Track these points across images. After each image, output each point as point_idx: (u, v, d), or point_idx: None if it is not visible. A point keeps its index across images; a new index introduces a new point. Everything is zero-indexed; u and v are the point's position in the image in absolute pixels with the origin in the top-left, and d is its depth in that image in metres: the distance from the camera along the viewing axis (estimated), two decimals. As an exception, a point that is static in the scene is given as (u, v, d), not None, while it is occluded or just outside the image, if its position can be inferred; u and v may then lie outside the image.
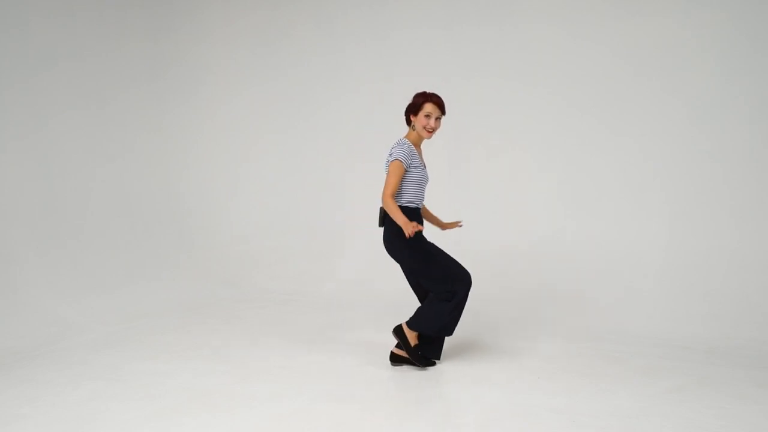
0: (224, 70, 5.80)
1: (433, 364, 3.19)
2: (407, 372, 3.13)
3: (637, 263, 4.27)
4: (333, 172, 5.43)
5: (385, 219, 3.14)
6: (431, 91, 3.16)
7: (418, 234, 3.10)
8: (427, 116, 3.10)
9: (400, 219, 2.92)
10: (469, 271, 3.13)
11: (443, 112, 3.15)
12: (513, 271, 4.58)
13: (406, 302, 3.96)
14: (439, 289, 3.06)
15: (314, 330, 3.95)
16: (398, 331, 3.17)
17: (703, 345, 3.52)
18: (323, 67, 5.42)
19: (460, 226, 3.45)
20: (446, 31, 4.91)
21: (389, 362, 3.24)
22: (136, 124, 5.45)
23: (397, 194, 3.10)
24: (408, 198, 3.12)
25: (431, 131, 3.13)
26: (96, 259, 4.82)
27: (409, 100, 3.21)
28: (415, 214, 3.15)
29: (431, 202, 3.77)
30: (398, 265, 3.27)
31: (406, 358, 3.20)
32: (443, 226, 3.45)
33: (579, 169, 4.54)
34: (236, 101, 5.79)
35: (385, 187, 3.02)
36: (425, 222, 3.37)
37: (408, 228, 2.86)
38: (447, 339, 3.64)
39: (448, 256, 3.13)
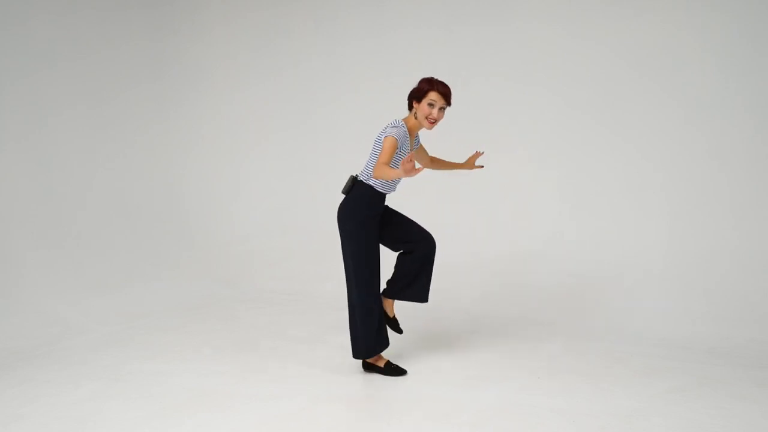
0: (224, 70, 5.80)
1: (404, 372, 3.11)
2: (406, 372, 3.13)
3: (637, 263, 4.27)
4: (333, 172, 5.42)
5: (350, 190, 3.04)
6: (439, 79, 2.94)
7: (374, 228, 3.02)
8: (431, 105, 2.89)
9: (397, 172, 2.69)
10: (380, 293, 3.12)
11: (449, 103, 2.94)
12: (513, 271, 4.58)
13: (405, 302, 3.96)
14: (348, 285, 3.05)
15: (314, 330, 3.95)
16: (366, 365, 3.16)
17: (703, 345, 3.52)
18: (323, 67, 5.42)
19: (481, 153, 3.30)
20: (446, 31, 4.91)
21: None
22: (136, 124, 5.45)
23: (369, 172, 3.01)
24: (382, 183, 3.01)
25: (433, 122, 2.93)
26: (96, 259, 4.82)
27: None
28: (380, 198, 3.05)
29: (430, 203, 3.77)
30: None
31: (376, 366, 3.17)
32: (463, 166, 3.35)
33: (579, 169, 4.54)
34: (236, 101, 5.78)
35: (377, 163, 2.83)
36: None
37: (407, 167, 2.59)
38: (447, 337, 3.64)
39: (377, 267, 3.05)
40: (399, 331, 3.30)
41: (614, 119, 4.40)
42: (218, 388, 2.92)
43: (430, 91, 2.91)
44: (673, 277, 4.13)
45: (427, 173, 3.98)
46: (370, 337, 3.05)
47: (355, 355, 3.10)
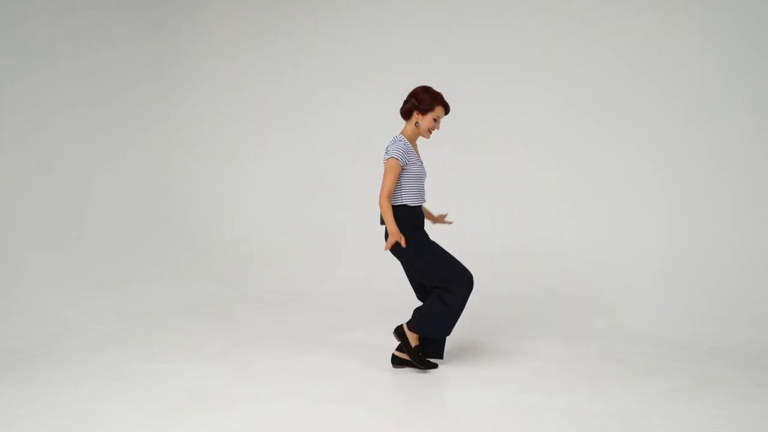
0: (224, 70, 5.80)
1: (435, 366, 3.17)
2: (407, 372, 3.13)
3: (637, 263, 4.27)
4: (333, 172, 5.44)
5: None
6: (437, 91, 3.09)
7: (419, 232, 3.10)
8: (436, 120, 3.08)
9: (391, 226, 2.94)
10: (471, 271, 3.10)
11: (446, 114, 3.17)
12: (513, 271, 4.58)
13: (406, 302, 3.96)
14: (439, 287, 3.03)
15: (314, 330, 3.95)
16: (399, 331, 3.14)
17: (703, 345, 3.52)
18: (323, 67, 5.42)
19: (450, 222, 3.41)
20: (446, 31, 4.91)
21: (390, 364, 3.22)
22: (136, 123, 5.45)
23: (397, 193, 3.06)
24: (408, 196, 3.06)
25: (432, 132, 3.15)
26: (96, 259, 4.82)
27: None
28: (416, 212, 3.11)
29: (430, 203, 3.77)
30: (399, 264, 3.25)
31: (407, 360, 3.18)
32: (433, 219, 3.41)
33: (579, 169, 4.54)
34: (236, 101, 5.79)
35: (381, 188, 2.99)
36: (427, 221, 3.35)
37: (396, 238, 2.92)
38: (447, 338, 3.64)
39: (450, 255, 3.09)
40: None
41: (614, 119, 4.40)
42: (218, 388, 2.92)
43: (437, 106, 3.06)
44: (673, 277, 4.13)
45: (432, 178, 3.99)
46: (445, 320, 3.04)
47: (446, 334, 3.10)
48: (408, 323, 3.11)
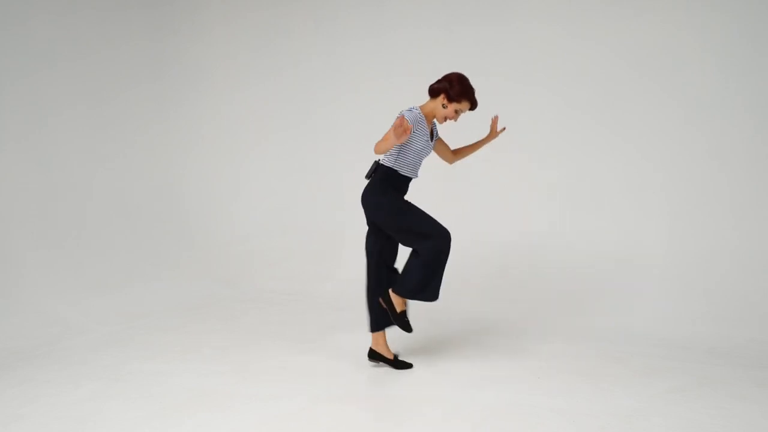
0: (224, 70, 5.80)
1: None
2: (407, 373, 3.14)
3: (637, 263, 4.27)
4: (333, 172, 5.43)
5: (374, 173, 3.10)
6: (472, 85, 3.07)
7: (399, 195, 3.09)
8: (457, 111, 3.06)
9: (388, 136, 2.80)
10: (449, 230, 3.05)
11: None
12: (512, 271, 4.58)
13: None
14: (417, 243, 3.00)
15: (314, 330, 3.95)
16: (385, 298, 3.11)
17: (703, 345, 3.52)
18: (323, 67, 5.42)
19: (503, 129, 3.34)
20: (446, 31, 4.91)
21: (390, 364, 3.21)
22: (136, 123, 5.45)
23: (392, 156, 3.04)
24: (401, 164, 3.04)
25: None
26: (96, 259, 4.82)
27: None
28: (403, 181, 3.10)
29: (431, 202, 3.76)
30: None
31: (383, 356, 3.18)
32: (487, 139, 3.36)
33: (579, 169, 4.54)
34: (236, 101, 5.78)
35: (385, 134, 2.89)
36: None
37: (398, 131, 2.73)
38: (447, 338, 3.64)
39: (428, 215, 3.06)
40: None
41: (614, 119, 4.40)
42: (218, 388, 2.92)
43: (464, 100, 3.04)
44: (673, 277, 4.13)
45: (431, 178, 3.99)
46: (427, 279, 3.02)
47: (432, 298, 3.06)
48: (393, 288, 3.09)
